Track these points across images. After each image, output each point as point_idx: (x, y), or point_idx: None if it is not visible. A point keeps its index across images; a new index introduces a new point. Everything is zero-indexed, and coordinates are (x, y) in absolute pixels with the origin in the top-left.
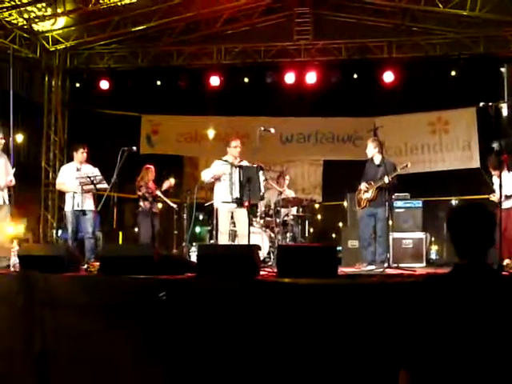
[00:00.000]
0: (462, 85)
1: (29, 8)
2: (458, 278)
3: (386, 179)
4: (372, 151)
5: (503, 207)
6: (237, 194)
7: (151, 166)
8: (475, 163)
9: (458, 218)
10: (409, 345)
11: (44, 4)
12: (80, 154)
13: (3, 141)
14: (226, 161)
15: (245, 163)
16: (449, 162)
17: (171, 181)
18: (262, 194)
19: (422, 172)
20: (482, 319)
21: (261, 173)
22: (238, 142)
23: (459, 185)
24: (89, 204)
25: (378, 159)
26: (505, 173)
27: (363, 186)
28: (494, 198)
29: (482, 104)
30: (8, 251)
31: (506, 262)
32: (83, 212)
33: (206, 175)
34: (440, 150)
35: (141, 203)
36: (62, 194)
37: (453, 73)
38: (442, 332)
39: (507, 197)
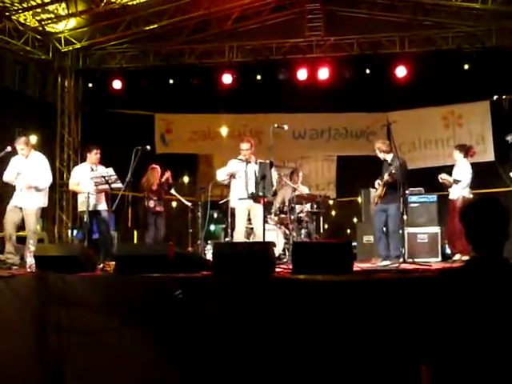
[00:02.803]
0: (475, 78)
1: (41, 9)
2: (473, 272)
3: (386, 176)
4: (381, 155)
5: (450, 197)
6: (252, 190)
7: (157, 166)
8: (489, 156)
9: (472, 213)
10: (426, 339)
11: (56, 5)
12: (94, 155)
13: (24, 151)
14: (240, 159)
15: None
16: None
17: (167, 173)
18: (274, 189)
19: (436, 166)
20: (499, 312)
21: (273, 169)
22: (247, 144)
23: (473, 178)
24: (102, 204)
25: (389, 158)
26: (462, 160)
27: (376, 183)
28: (443, 178)
29: (495, 97)
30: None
31: (458, 256)
32: (97, 212)
33: (220, 174)
34: (454, 144)
35: (145, 203)
36: (75, 195)
37: (466, 66)
38: (458, 325)
39: (455, 181)
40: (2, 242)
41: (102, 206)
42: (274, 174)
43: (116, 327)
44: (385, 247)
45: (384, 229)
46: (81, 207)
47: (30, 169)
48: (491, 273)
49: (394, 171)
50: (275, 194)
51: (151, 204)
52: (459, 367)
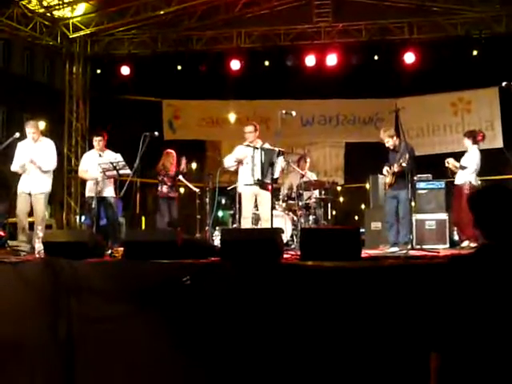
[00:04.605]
0: (484, 64)
1: None
2: (483, 259)
3: (396, 167)
4: (392, 141)
5: (456, 182)
6: (258, 176)
7: (171, 151)
8: (498, 143)
9: (481, 200)
10: (436, 326)
11: None
12: (95, 142)
13: (35, 135)
14: (247, 145)
15: (267, 146)
16: None
17: (183, 160)
18: (275, 178)
19: (445, 153)
20: (510, 299)
21: (280, 158)
22: (251, 127)
23: (482, 165)
24: (110, 190)
25: (397, 143)
26: (472, 147)
27: (384, 170)
28: (450, 162)
29: (504, 83)
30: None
31: (466, 243)
32: (105, 198)
33: (227, 161)
34: (462, 131)
35: (159, 188)
36: (84, 181)
37: (474, 52)
38: (468, 313)
39: (462, 167)
40: (12, 228)
41: (109, 193)
42: (282, 163)
43: (124, 313)
44: (395, 234)
45: (395, 216)
46: (88, 193)
47: (39, 153)
48: (501, 259)
49: (404, 164)
50: (275, 182)
51: (164, 189)
52: (470, 354)
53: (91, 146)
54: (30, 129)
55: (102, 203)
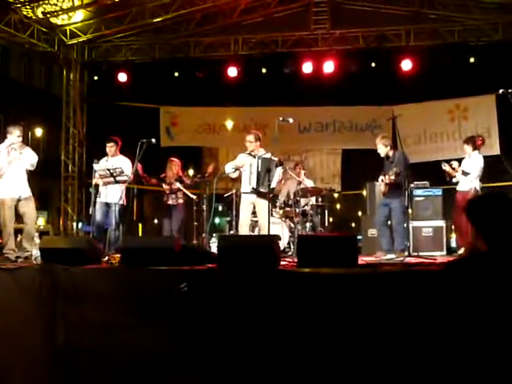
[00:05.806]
0: (481, 71)
1: (47, 2)
2: (479, 265)
3: (387, 178)
4: (384, 150)
5: (459, 189)
6: (254, 184)
7: (174, 159)
8: (495, 150)
9: (480, 208)
10: (433, 332)
11: None
12: (107, 149)
13: (20, 138)
14: (249, 153)
15: (268, 156)
16: None
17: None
18: (271, 187)
19: (442, 160)
20: (505, 305)
21: (278, 169)
22: (251, 137)
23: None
24: (114, 197)
25: (390, 153)
26: (474, 153)
27: (380, 179)
28: (446, 167)
29: (501, 91)
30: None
31: (463, 249)
32: (108, 204)
33: (227, 167)
34: (459, 138)
35: (163, 198)
36: (80, 188)
37: (471, 59)
38: (465, 319)
39: (464, 173)
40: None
41: (113, 199)
42: (279, 172)
43: (122, 319)
44: (387, 241)
45: (388, 222)
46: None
47: (24, 156)
48: (497, 266)
49: (393, 177)
50: (271, 191)
51: (165, 198)
52: (466, 361)
53: (88, 153)
54: (18, 132)
55: (106, 209)
